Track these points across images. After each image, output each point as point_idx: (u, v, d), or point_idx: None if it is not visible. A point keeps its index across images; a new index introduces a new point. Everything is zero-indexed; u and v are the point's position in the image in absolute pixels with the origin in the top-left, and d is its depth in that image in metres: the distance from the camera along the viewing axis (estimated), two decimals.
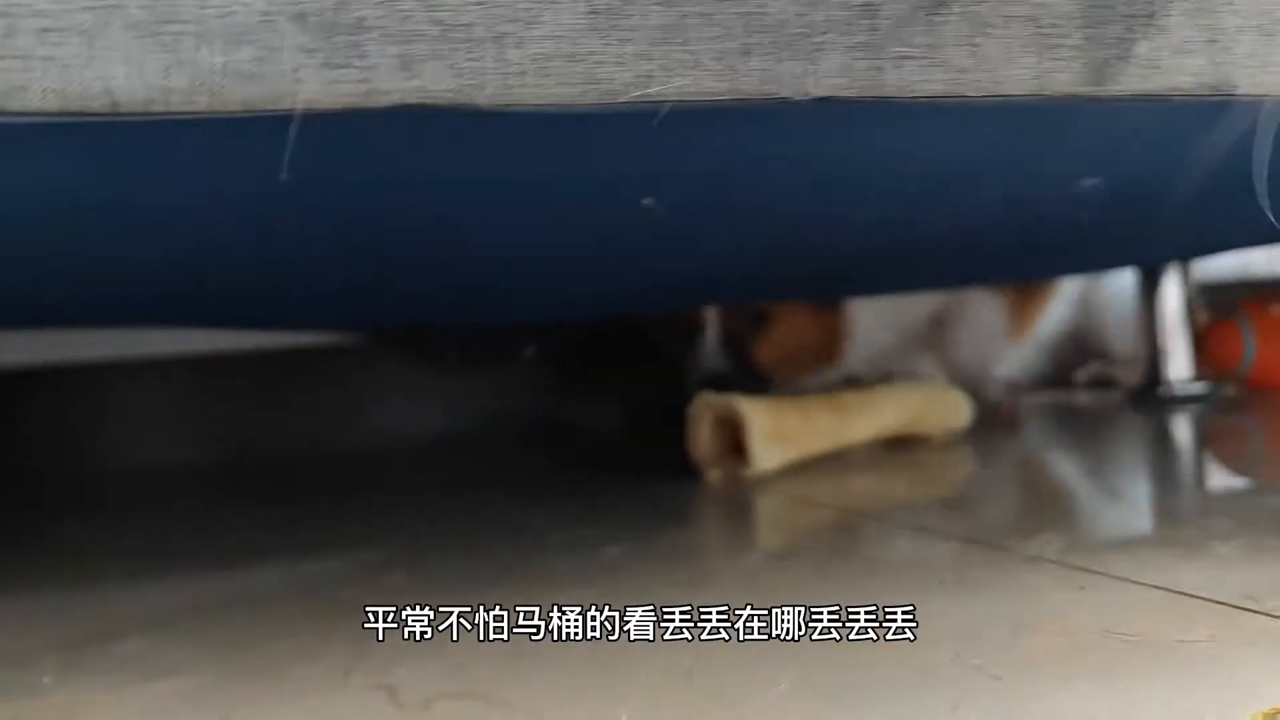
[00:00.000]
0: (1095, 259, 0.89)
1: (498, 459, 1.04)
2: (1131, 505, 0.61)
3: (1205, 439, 0.87)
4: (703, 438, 0.69)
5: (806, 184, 0.43)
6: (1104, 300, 1.23)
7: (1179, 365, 1.12)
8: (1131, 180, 0.45)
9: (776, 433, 0.68)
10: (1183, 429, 0.90)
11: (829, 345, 1.15)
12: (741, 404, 0.67)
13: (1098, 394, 1.16)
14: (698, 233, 0.51)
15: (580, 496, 0.70)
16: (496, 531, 0.58)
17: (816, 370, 1.13)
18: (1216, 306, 1.14)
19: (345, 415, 1.20)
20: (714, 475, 0.69)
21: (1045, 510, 0.60)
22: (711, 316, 0.99)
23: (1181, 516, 0.54)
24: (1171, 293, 1.13)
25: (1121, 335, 1.22)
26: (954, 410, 0.83)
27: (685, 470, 0.69)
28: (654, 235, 0.50)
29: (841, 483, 0.68)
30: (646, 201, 0.42)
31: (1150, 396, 1.10)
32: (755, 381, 1.00)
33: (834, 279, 0.81)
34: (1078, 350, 1.25)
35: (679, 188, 0.41)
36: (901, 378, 0.82)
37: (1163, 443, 0.86)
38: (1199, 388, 1.08)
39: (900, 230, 0.55)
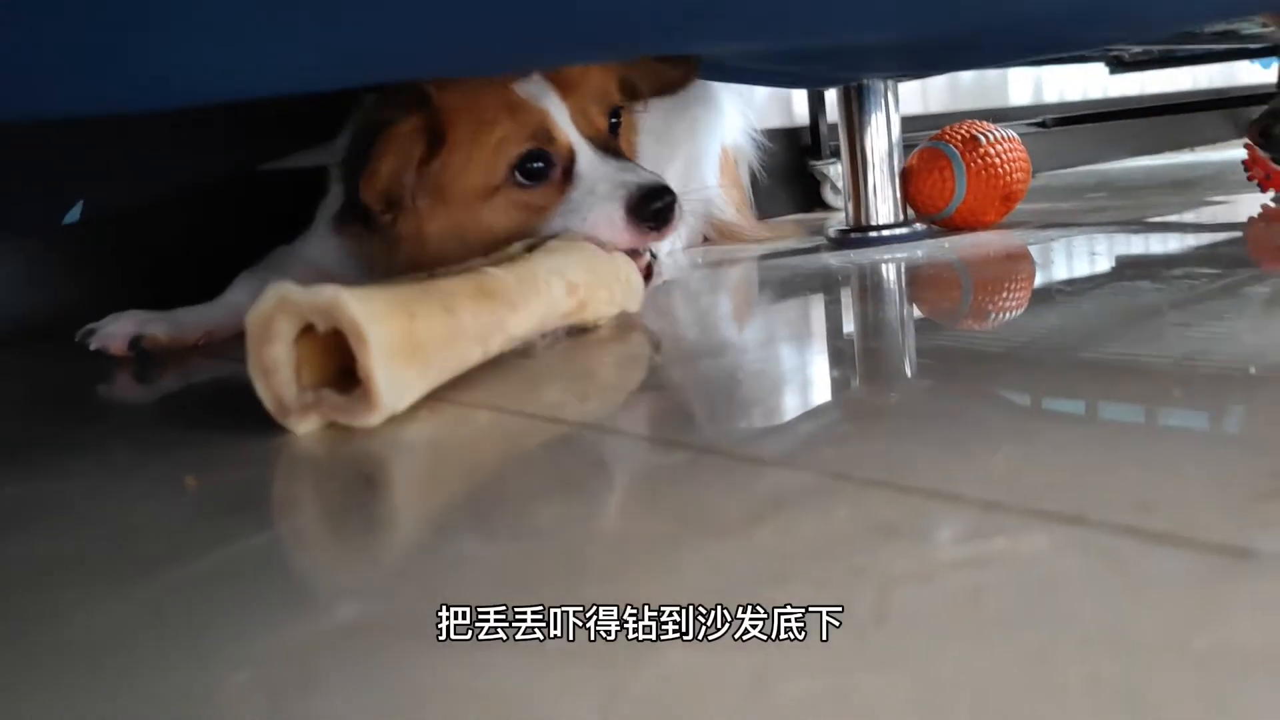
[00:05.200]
0: None
1: None
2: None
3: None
4: (279, 362, 0.41)
5: None
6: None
7: (885, 206, 1.01)
8: None
9: (410, 347, 0.42)
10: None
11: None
12: (346, 301, 0.40)
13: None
14: None
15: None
16: None
17: None
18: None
19: None
20: (303, 427, 0.42)
21: None
22: None
23: None
24: (879, 128, 1.01)
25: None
26: (626, 287, 0.59)
27: (260, 416, 0.42)
28: None
29: (516, 395, 0.45)
30: None
31: (858, 239, 0.98)
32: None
33: None
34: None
35: None
36: (554, 241, 0.57)
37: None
38: (905, 229, 0.99)
39: None
